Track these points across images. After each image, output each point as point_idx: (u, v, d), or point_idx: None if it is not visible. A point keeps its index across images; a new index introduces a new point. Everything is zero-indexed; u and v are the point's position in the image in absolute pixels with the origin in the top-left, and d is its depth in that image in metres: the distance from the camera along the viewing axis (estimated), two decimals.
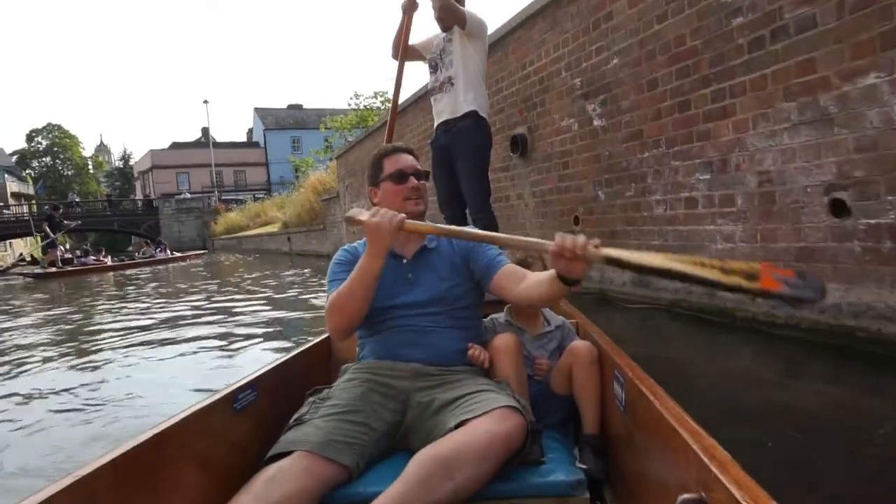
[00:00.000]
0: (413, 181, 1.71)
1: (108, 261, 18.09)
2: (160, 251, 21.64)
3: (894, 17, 2.59)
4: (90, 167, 70.69)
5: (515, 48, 6.02)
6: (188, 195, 48.81)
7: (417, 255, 1.72)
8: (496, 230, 3.08)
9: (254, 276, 12.19)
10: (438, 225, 1.54)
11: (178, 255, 22.20)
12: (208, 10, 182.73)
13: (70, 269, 16.01)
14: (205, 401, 1.39)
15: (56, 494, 0.94)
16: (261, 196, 45.96)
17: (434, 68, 3.70)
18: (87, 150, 72.52)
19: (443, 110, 3.63)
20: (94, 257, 17.67)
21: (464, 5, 3.55)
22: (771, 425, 2.05)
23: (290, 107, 58.69)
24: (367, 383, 1.53)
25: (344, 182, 13.75)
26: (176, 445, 1.24)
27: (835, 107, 2.89)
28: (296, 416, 1.44)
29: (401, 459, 1.29)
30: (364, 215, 1.49)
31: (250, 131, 63.36)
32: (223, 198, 48.50)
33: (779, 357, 3.06)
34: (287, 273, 11.97)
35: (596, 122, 4.85)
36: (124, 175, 71.90)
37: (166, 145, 60.03)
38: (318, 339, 2.05)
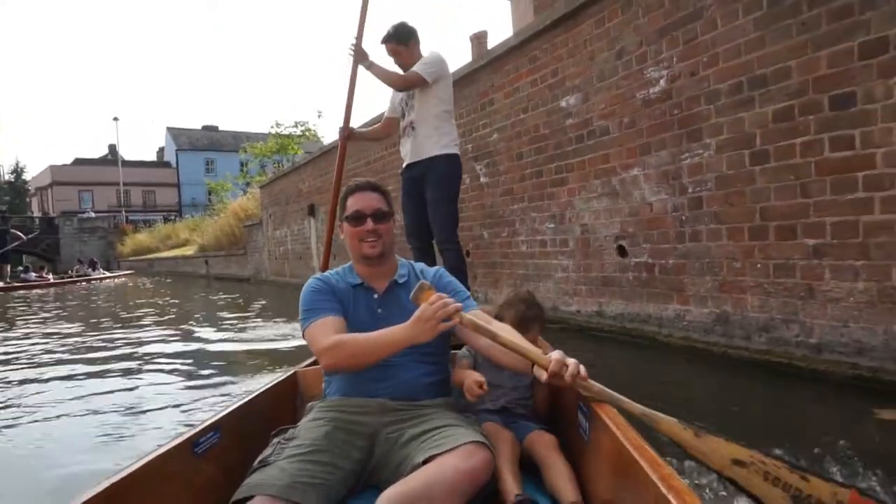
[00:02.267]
0: (370, 224, 1.71)
1: (51, 278, 18.69)
2: (95, 270, 22.24)
3: (644, 135, 4.24)
4: None
5: None
6: (92, 214, 46.95)
7: (388, 290, 1.73)
8: (462, 260, 3.58)
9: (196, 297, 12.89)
10: (479, 322, 1.47)
11: (110, 274, 22.93)
12: (117, 25, 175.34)
13: (17, 284, 16.53)
14: (163, 446, 1.36)
15: None
16: (171, 218, 45.00)
17: (402, 115, 3.73)
18: None
19: (407, 153, 3.66)
20: (35, 274, 18.25)
21: (417, 51, 3.61)
22: None
23: (205, 128, 57.79)
24: (333, 422, 1.51)
25: (268, 210, 14.71)
26: (133, 496, 1.19)
27: (619, 186, 4.52)
28: (260, 457, 1.41)
29: (369, 497, 1.29)
30: (431, 296, 1.44)
31: (161, 150, 61.62)
32: (130, 218, 47.07)
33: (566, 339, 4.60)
34: (223, 296, 12.76)
35: (482, 179, 6.39)
36: (16, 190, 67.45)
37: (68, 161, 57.38)
38: (283, 376, 2.00)
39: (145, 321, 8.19)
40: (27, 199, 63.64)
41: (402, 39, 3.59)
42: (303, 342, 1.69)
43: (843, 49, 2.93)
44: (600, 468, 1.32)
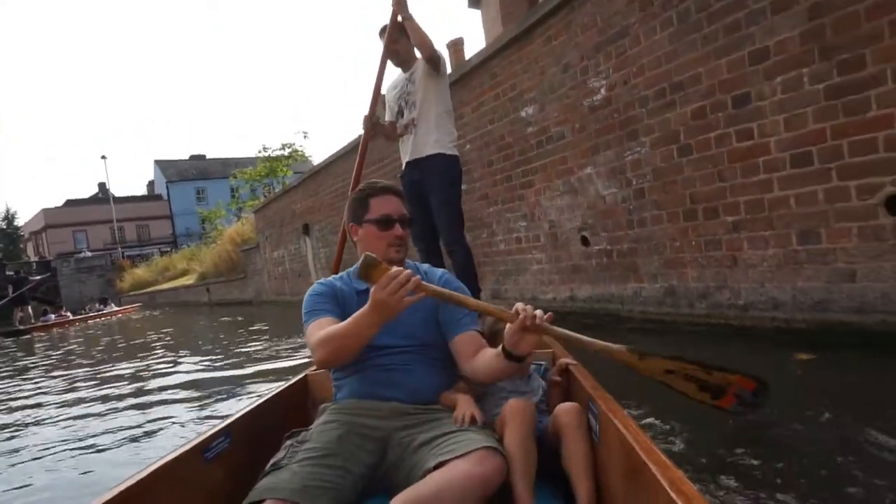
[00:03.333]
0: (398, 229, 1.71)
1: (70, 315, 19.71)
2: (106, 306, 23.47)
3: (593, 137, 4.83)
4: None
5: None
6: (88, 253, 47.31)
7: None
8: (471, 259, 3.63)
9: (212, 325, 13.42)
10: (442, 289, 1.51)
11: (119, 308, 24.18)
12: (99, 62, 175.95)
13: (40, 324, 17.41)
14: (174, 452, 1.37)
15: None
16: (166, 249, 45.42)
17: (400, 113, 3.68)
18: None
19: (406, 152, 3.64)
20: (53, 315, 19.32)
21: (412, 47, 3.55)
22: None
23: (193, 157, 58.28)
24: (345, 425, 1.51)
25: (264, 233, 15.26)
26: (147, 500, 1.21)
27: (577, 184, 5.10)
28: (272, 461, 1.41)
29: (379, 502, 1.29)
30: (386, 272, 1.38)
31: (151, 184, 62.10)
32: (127, 254, 47.43)
33: None
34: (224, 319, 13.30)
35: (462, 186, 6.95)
36: (9, 237, 67.74)
37: (59, 202, 57.82)
38: (294, 380, 2.01)
39: (158, 349, 8.73)
40: (21, 245, 63.96)
41: (403, 30, 3.48)
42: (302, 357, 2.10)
43: (736, 57, 3.51)
44: (610, 470, 1.32)
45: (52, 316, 19.32)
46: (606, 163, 4.71)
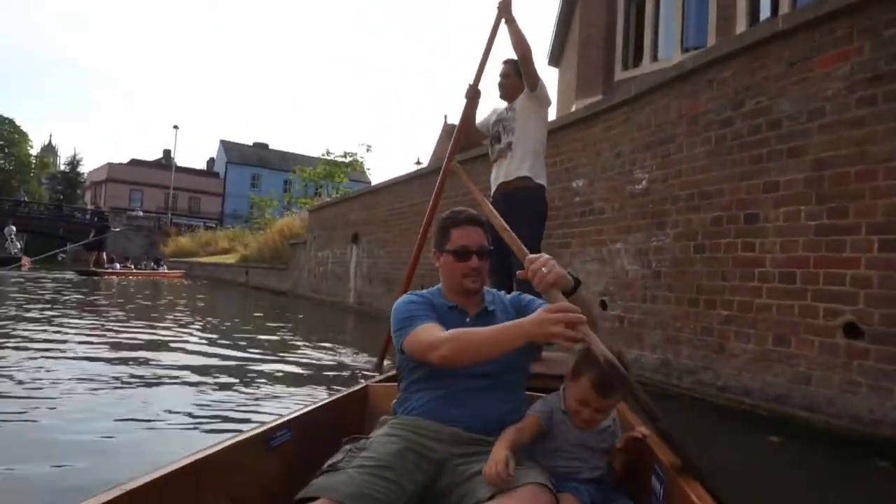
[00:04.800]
0: (475, 261, 1.73)
1: (133, 268, 22.54)
2: (159, 267, 25.66)
3: (628, 219, 5.60)
4: (34, 166, 69.50)
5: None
6: (140, 213, 49.46)
7: (479, 315, 1.77)
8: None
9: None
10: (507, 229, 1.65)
11: (169, 272, 26.14)
12: (181, 37, 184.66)
13: (109, 270, 20.32)
14: (241, 436, 1.45)
15: None
16: (212, 225, 47.24)
17: (496, 139, 3.74)
18: (34, 148, 71.52)
19: (498, 176, 3.67)
20: (119, 264, 22.05)
21: (522, 87, 3.66)
22: None
23: (256, 144, 60.75)
24: (405, 441, 1.53)
25: (313, 232, 16.30)
26: (210, 476, 1.28)
27: (606, 255, 5.87)
28: (330, 461, 1.45)
29: None
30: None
31: (211, 161, 64.70)
32: (175, 221, 49.37)
33: None
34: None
35: None
36: (69, 180, 70.84)
37: (123, 160, 60.68)
38: (354, 388, 2.07)
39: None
40: (77, 191, 67.04)
41: (518, 71, 3.66)
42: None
43: (754, 183, 4.28)
44: None
45: (118, 265, 21.84)
46: (635, 243, 5.47)
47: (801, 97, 3.99)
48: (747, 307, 4.25)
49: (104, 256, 22.33)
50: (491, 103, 3.90)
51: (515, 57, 3.67)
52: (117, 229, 31.49)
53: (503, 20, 3.59)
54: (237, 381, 4.51)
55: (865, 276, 3.49)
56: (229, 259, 26.82)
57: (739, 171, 4.42)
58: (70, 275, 20.27)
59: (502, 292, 1.92)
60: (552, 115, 4.46)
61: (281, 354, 6.01)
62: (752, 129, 4.32)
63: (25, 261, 22.67)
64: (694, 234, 4.79)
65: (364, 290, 12.38)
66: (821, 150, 3.82)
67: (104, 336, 6.52)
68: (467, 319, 1.76)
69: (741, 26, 10.04)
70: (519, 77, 3.68)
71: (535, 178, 3.59)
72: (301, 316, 11.76)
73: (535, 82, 3.56)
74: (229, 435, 1.47)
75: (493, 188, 3.76)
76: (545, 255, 1.57)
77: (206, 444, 1.39)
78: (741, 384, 4.26)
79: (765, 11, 9.96)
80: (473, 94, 3.75)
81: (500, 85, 3.81)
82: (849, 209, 3.63)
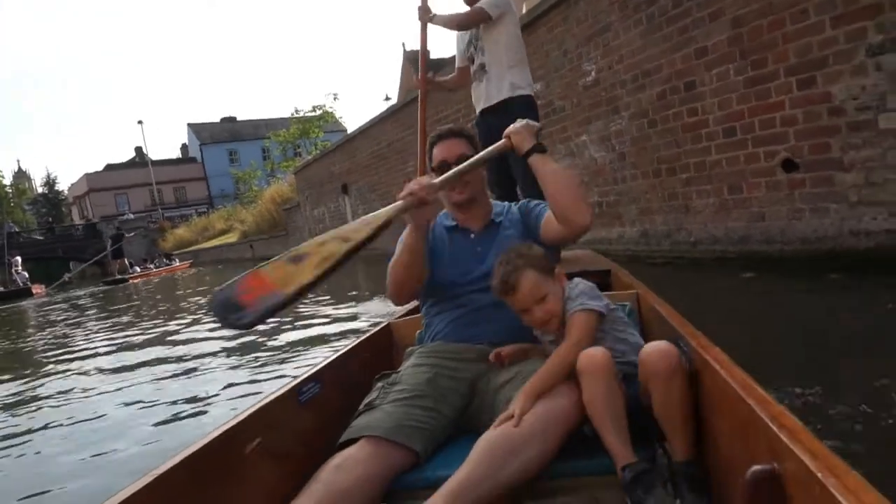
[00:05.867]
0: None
1: (152, 268, 23.90)
2: (171, 261, 26.62)
3: (586, 110, 5.96)
4: (10, 196, 68.78)
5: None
6: (131, 216, 49.47)
7: (485, 229, 1.76)
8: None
9: None
10: (458, 168, 1.61)
11: (179, 265, 27.03)
12: (130, 28, 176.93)
13: (135, 274, 21.70)
14: (269, 396, 1.47)
15: (135, 494, 1.00)
16: (203, 210, 47.33)
17: (471, 59, 3.64)
18: (6, 178, 70.55)
19: (479, 98, 3.59)
20: (139, 268, 23.48)
21: None
22: None
23: (224, 120, 59.62)
24: (435, 367, 1.55)
25: (304, 193, 16.65)
26: (245, 440, 1.29)
27: (575, 149, 6.27)
28: (366, 401, 1.48)
29: (467, 442, 1.31)
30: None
31: (184, 146, 63.81)
32: (166, 215, 49.41)
33: None
34: None
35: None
36: (50, 201, 70.31)
37: (99, 167, 60.02)
38: (378, 328, 2.10)
39: None
40: (62, 209, 66.72)
41: None
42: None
43: (686, 52, 4.62)
44: (703, 410, 1.26)
45: (138, 268, 23.15)
46: (597, 131, 5.87)
47: None
48: (701, 167, 4.70)
49: (126, 262, 23.57)
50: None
51: None
52: (131, 234, 32.90)
53: (429, 23, 3.51)
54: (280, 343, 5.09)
55: (791, 115, 3.91)
56: (231, 238, 27.29)
57: (672, 45, 4.75)
58: (96, 287, 21.25)
59: (512, 204, 1.88)
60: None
61: (317, 308, 6.58)
62: (675, 2, 4.62)
63: (38, 288, 23.35)
64: (645, 111, 5.18)
65: None
66: (736, 9, 4.15)
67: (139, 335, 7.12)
68: (472, 235, 1.76)
69: None
70: None
71: (518, 93, 3.43)
72: None
73: (486, 17, 3.40)
74: (260, 397, 1.50)
75: (477, 109, 3.65)
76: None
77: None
78: (709, 235, 4.78)
79: None
80: (426, 86, 3.61)
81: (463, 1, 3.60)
82: (767, 58, 4.00)
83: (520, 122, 1.65)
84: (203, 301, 9.92)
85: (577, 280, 1.50)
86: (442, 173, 1.68)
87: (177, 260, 27.29)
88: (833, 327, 2.97)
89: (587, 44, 5.77)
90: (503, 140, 1.65)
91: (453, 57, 4.06)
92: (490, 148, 1.67)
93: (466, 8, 3.54)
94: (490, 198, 1.89)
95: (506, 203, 1.88)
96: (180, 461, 1.12)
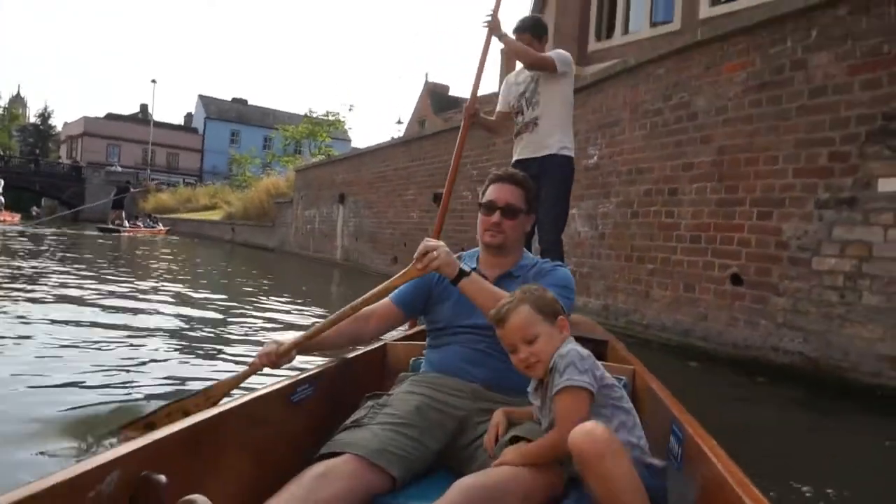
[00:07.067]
0: (497, 216, 1.77)
1: (141, 226, 24.67)
2: (157, 224, 27.15)
3: (582, 189, 6.64)
4: (2, 118, 67.62)
5: (437, 146, 9.95)
6: (119, 168, 49.11)
7: (499, 279, 1.78)
8: (563, 263, 3.07)
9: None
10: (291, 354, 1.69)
11: (161, 227, 27.52)
12: (131, 30, 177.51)
13: (128, 229, 22.98)
14: (264, 389, 1.47)
15: (122, 457, 1.00)
16: (191, 181, 47.26)
17: (519, 111, 3.62)
18: (2, 99, 69.43)
19: (523, 149, 3.59)
20: (128, 223, 24.37)
21: (546, 50, 3.55)
22: None
23: (235, 100, 60.03)
24: (426, 397, 1.56)
25: (300, 192, 17.12)
26: (233, 428, 1.30)
27: None
28: (353, 417, 1.49)
29: (444, 477, 1.36)
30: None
31: (189, 116, 63.85)
32: (153, 177, 49.17)
33: None
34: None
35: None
36: (39, 133, 69.15)
37: (99, 113, 59.68)
38: (374, 346, 2.08)
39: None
40: (49, 144, 65.76)
41: (537, 33, 3.59)
42: None
43: (676, 163, 5.34)
44: (691, 500, 1.21)
45: (128, 224, 24.14)
46: (586, 209, 6.54)
47: (712, 95, 5.02)
48: (666, 262, 5.37)
49: (122, 215, 24.77)
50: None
51: (527, 22, 3.65)
52: (137, 189, 34.32)
53: (495, 37, 3.52)
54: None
55: (747, 238, 4.61)
56: (214, 216, 27.41)
57: (666, 153, 5.47)
58: (90, 231, 22.77)
59: (541, 262, 1.91)
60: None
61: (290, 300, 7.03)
62: (676, 119, 5.35)
63: (6, 215, 23.95)
64: (631, 202, 5.87)
65: (351, 246, 13.37)
66: (723, 140, 4.88)
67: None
68: None
69: (705, 5, 10.93)
70: (537, 40, 3.58)
71: (563, 152, 3.53)
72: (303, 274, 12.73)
73: (552, 67, 3.43)
74: (253, 389, 1.51)
75: (515, 158, 3.66)
76: (440, 244, 1.66)
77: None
78: (660, 322, 5.42)
79: None
80: (472, 115, 3.60)
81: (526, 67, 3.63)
82: (739, 187, 4.71)
83: (439, 247, 1.65)
84: (175, 268, 10.31)
85: (569, 348, 1.37)
86: (487, 213, 1.80)
87: (160, 224, 27.62)
88: (755, 421, 3.40)
89: (596, 131, 6.48)
90: (413, 267, 1.68)
91: (485, 97, 4.18)
92: (389, 281, 1.73)
93: (522, 71, 3.60)
94: (526, 251, 1.93)
95: (537, 259, 1.94)
96: (168, 435, 1.12)
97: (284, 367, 1.74)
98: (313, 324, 1.89)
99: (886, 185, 3.75)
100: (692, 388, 4.25)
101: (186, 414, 1.52)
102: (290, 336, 1.78)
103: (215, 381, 1.80)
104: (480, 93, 3.63)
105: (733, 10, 10.23)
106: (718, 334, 4.82)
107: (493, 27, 3.46)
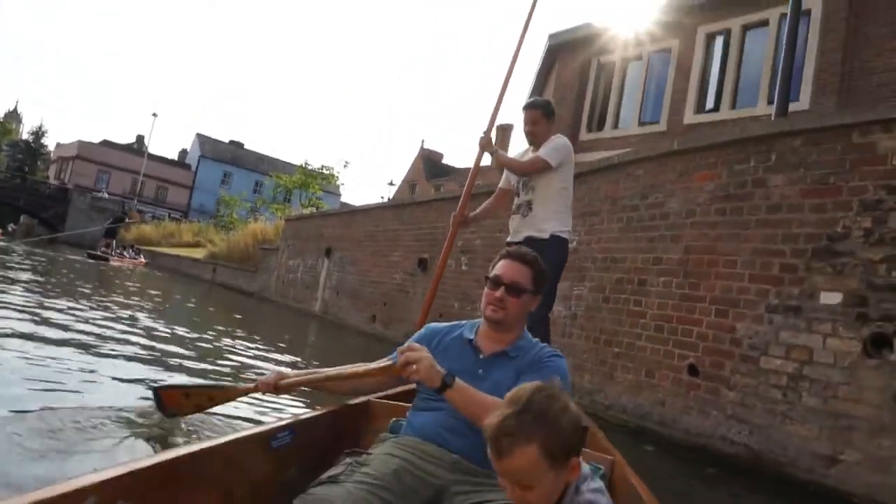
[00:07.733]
0: (501, 292, 1.78)
1: (127, 256, 25.05)
2: (139, 256, 27.85)
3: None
4: None
5: (427, 213, 10.43)
6: (106, 195, 49.18)
7: (494, 356, 1.79)
8: (548, 338, 3.55)
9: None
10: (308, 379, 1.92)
11: (142, 259, 28.08)
12: (165, 24, 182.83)
13: (115, 257, 23.87)
14: (243, 432, 1.48)
15: (100, 483, 0.99)
16: (177, 216, 47.40)
17: (517, 192, 3.71)
18: None
19: (516, 231, 3.69)
20: (116, 251, 25.19)
21: (552, 131, 3.67)
22: None
23: (231, 142, 61.12)
24: (406, 462, 1.55)
25: (287, 241, 17.42)
26: (207, 469, 1.29)
27: None
28: (330, 472, 1.47)
29: None
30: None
31: (184, 151, 64.59)
32: (139, 208, 49.23)
33: None
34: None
35: (463, 267, 9.19)
36: (30, 150, 69.14)
37: (94, 139, 60.08)
38: (357, 401, 2.08)
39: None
40: (38, 163, 65.63)
41: (547, 113, 3.74)
42: None
43: (647, 257, 5.79)
44: None
45: (114, 253, 24.99)
46: (561, 290, 6.90)
47: (683, 199, 5.54)
48: (631, 347, 5.73)
49: (113, 244, 26.12)
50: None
51: (539, 101, 3.85)
52: (130, 221, 35.35)
53: (488, 153, 3.73)
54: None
55: (705, 332, 5.00)
56: (197, 253, 27.45)
57: (639, 246, 5.93)
58: (76, 257, 23.51)
59: (541, 346, 1.89)
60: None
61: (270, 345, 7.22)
62: (651, 217, 5.86)
63: None
64: (603, 288, 6.28)
65: (331, 300, 13.58)
66: (690, 240, 5.36)
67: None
68: (480, 356, 1.81)
69: (689, 112, 11.82)
70: (545, 119, 3.71)
71: (556, 234, 3.63)
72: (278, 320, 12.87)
73: (545, 167, 3.56)
74: (232, 431, 1.53)
75: (511, 236, 3.79)
76: (423, 355, 1.63)
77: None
78: (621, 404, 5.72)
79: (709, 103, 11.74)
80: (460, 223, 3.86)
81: (528, 133, 3.75)
82: (700, 285, 5.15)
83: (422, 359, 1.63)
84: (149, 305, 10.44)
85: (584, 491, 1.24)
86: (492, 287, 1.83)
87: (142, 255, 28.00)
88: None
89: (578, 218, 6.95)
90: (395, 365, 1.71)
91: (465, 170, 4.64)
92: (373, 367, 1.81)
93: (528, 150, 3.73)
94: (527, 334, 1.94)
95: (536, 341, 1.91)
96: (140, 468, 1.12)
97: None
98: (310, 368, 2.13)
99: (827, 297, 4.20)
100: (649, 472, 4.49)
101: (210, 399, 1.96)
102: (289, 371, 2.01)
103: (229, 382, 2.09)
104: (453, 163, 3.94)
105: (714, 120, 11.19)
106: (673, 420, 5.13)
107: (485, 144, 3.70)
